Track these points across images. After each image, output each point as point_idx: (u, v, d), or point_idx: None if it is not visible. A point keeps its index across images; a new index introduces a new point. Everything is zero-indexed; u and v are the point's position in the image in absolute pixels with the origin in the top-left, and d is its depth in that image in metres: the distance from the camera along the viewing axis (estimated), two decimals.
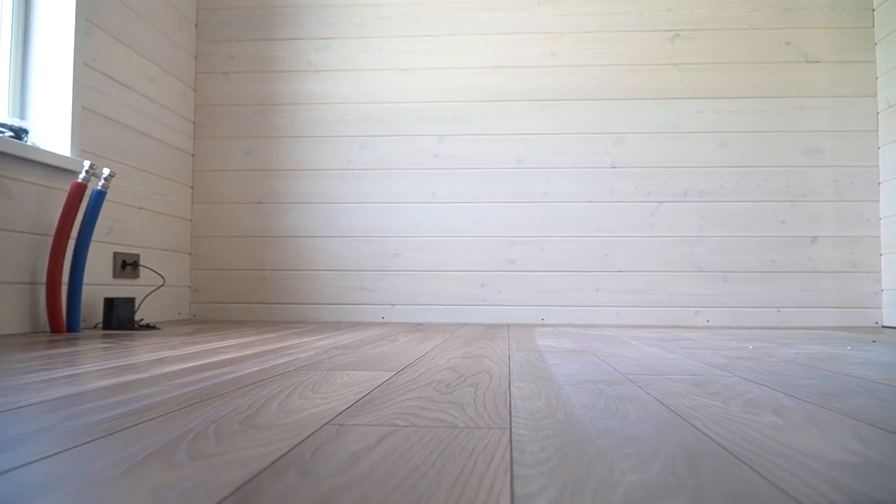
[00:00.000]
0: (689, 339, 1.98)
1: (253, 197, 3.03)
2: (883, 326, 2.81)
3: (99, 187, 2.13)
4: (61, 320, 2.00)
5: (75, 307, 2.06)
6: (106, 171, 2.14)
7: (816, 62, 2.91)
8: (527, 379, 1.07)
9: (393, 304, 2.97)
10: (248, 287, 3.01)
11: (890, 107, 2.79)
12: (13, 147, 1.94)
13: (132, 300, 2.28)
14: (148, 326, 2.25)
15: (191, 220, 3.04)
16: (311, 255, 3.00)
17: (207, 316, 3.01)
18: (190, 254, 3.03)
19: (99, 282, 2.36)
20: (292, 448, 0.60)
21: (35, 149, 2.02)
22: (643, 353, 1.54)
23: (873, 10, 2.90)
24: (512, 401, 0.86)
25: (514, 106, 2.98)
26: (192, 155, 3.06)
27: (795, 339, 2.01)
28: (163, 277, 2.67)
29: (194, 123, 3.07)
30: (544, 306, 2.93)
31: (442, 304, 2.95)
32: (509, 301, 2.93)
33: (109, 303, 2.21)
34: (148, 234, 2.68)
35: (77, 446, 0.60)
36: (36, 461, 0.55)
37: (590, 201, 2.93)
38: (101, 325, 2.32)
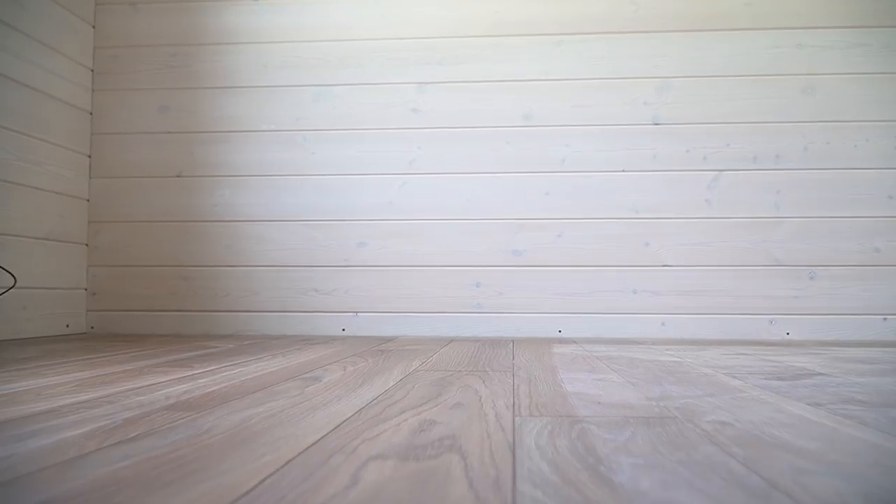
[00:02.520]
0: (814, 372, 1.19)
1: (171, 168, 2.26)
2: None
3: None
4: None
5: None
6: None
7: None
8: None
9: (356, 312, 2.19)
10: (164, 290, 2.23)
11: None
12: None
13: None
14: None
15: (87, 200, 2.27)
16: (246, 245, 2.22)
17: (109, 328, 2.24)
18: (86, 245, 2.26)
19: None
20: None
21: None
22: (778, 413, 0.75)
23: None
24: None
25: (521, 43, 2.20)
26: (90, 113, 2.28)
27: None
28: (13, 277, 1.89)
29: (93, 71, 2.29)
30: (562, 314, 2.14)
31: (423, 311, 2.17)
32: (514, 307, 2.15)
33: None
34: (17, 217, 1.91)
35: None
36: None
37: (623, 170, 2.15)
38: None
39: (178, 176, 2.25)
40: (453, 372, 1.18)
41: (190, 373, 1.16)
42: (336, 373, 1.19)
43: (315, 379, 1.10)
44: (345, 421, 0.74)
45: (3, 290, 1.82)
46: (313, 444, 0.62)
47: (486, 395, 0.93)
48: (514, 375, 1.14)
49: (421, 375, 1.14)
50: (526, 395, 0.92)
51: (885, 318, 2.08)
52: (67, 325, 2.16)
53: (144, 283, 2.24)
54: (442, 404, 0.85)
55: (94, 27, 2.31)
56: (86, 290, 2.25)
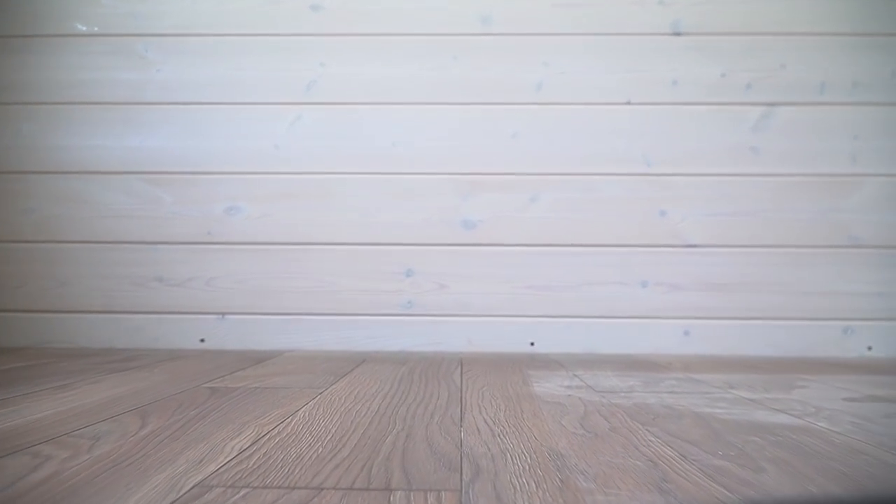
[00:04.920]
0: None
1: None
2: None
3: None
4: None
5: None
6: None
7: None
8: None
9: (223, 314, 1.43)
10: None
11: None
12: None
13: None
14: None
15: None
16: (56, 210, 1.44)
17: None
18: None
19: None
20: None
21: None
22: None
23: None
24: None
25: None
26: None
27: None
28: None
29: None
30: (536, 318, 1.42)
31: (325, 311, 1.43)
32: (463, 307, 1.42)
33: None
34: None
35: None
36: None
37: (629, 102, 1.43)
38: None
39: None
40: (304, 493, 0.45)
41: None
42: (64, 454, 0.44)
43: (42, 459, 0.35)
44: None
45: None
46: None
47: None
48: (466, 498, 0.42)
49: None
50: None
51: None
52: None
53: None
54: None
55: None
56: None
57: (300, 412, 0.72)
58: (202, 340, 1.42)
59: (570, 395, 0.86)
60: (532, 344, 1.42)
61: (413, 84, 1.44)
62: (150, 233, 1.44)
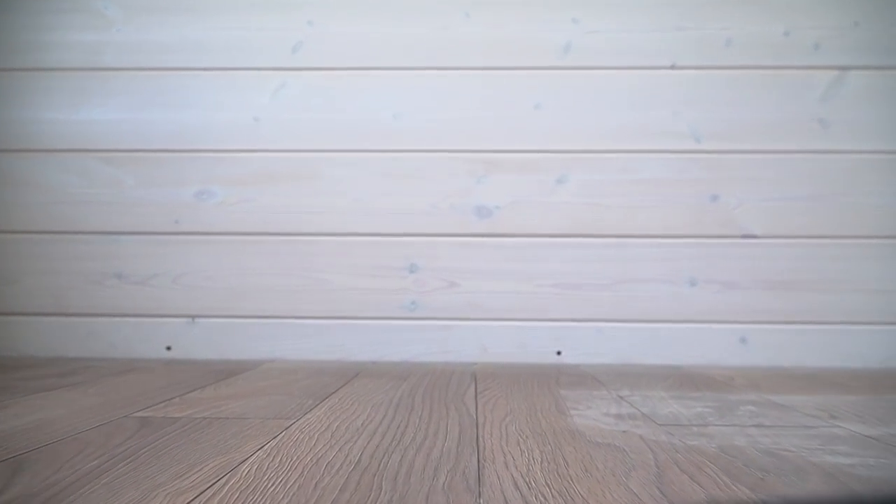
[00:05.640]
0: None
1: None
2: None
3: None
4: None
5: None
6: None
7: None
8: None
9: (193, 317, 1.21)
10: None
11: None
12: None
13: None
14: None
15: None
16: None
17: None
18: None
19: None
20: None
21: None
22: None
23: None
24: None
25: None
26: None
27: None
28: None
29: None
30: (564, 322, 1.20)
31: (313, 314, 1.21)
32: (476, 309, 1.20)
33: None
34: None
35: None
36: None
37: (673, 66, 1.21)
38: None
39: None
40: None
41: None
42: None
43: None
44: None
45: None
46: None
47: None
48: None
49: None
50: None
51: None
52: None
53: None
54: None
55: None
56: None
57: (245, 465, 0.50)
58: (168, 348, 1.21)
59: (625, 432, 0.63)
60: (559, 353, 1.19)
61: (418, 46, 1.22)
62: (109, 221, 1.22)
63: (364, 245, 1.21)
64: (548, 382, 0.96)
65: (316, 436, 0.61)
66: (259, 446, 0.56)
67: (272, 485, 0.45)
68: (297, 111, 1.22)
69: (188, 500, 0.42)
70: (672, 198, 1.20)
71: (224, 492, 0.44)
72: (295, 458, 0.53)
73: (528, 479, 0.48)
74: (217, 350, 1.20)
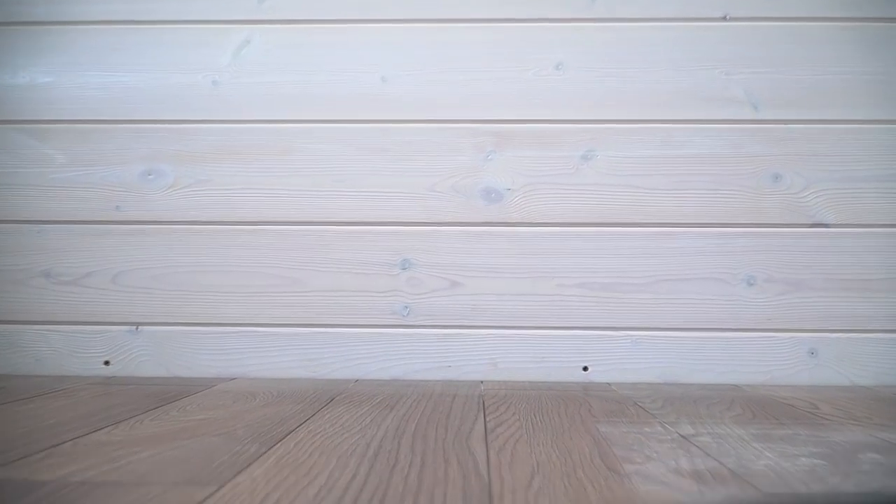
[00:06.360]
0: None
1: None
2: None
3: None
4: None
5: None
6: None
7: None
8: None
9: (137, 324, 0.99)
10: None
11: None
12: None
13: None
14: None
15: None
16: None
17: None
18: None
19: None
20: None
21: None
22: None
23: None
24: None
25: None
26: None
27: None
28: None
29: None
30: (592, 331, 0.97)
31: (284, 322, 0.99)
32: (486, 313, 0.98)
33: None
34: None
35: None
36: None
37: (725, 17, 0.99)
38: None
39: None
40: None
41: None
42: None
43: None
44: None
45: None
46: None
47: None
48: None
49: None
50: None
51: None
52: None
53: None
54: None
55: None
56: None
57: None
58: (107, 363, 0.98)
59: None
60: (585, 369, 0.97)
61: None
62: (34, 207, 1.00)
63: (346, 236, 0.99)
64: (578, 411, 0.73)
65: None
66: None
67: None
68: (265, 73, 1.00)
69: None
70: (724, 178, 0.97)
71: None
72: None
73: None
74: (165, 366, 0.98)
